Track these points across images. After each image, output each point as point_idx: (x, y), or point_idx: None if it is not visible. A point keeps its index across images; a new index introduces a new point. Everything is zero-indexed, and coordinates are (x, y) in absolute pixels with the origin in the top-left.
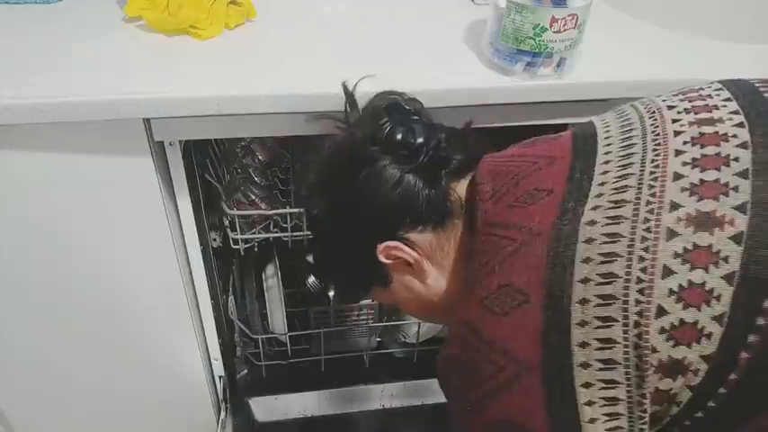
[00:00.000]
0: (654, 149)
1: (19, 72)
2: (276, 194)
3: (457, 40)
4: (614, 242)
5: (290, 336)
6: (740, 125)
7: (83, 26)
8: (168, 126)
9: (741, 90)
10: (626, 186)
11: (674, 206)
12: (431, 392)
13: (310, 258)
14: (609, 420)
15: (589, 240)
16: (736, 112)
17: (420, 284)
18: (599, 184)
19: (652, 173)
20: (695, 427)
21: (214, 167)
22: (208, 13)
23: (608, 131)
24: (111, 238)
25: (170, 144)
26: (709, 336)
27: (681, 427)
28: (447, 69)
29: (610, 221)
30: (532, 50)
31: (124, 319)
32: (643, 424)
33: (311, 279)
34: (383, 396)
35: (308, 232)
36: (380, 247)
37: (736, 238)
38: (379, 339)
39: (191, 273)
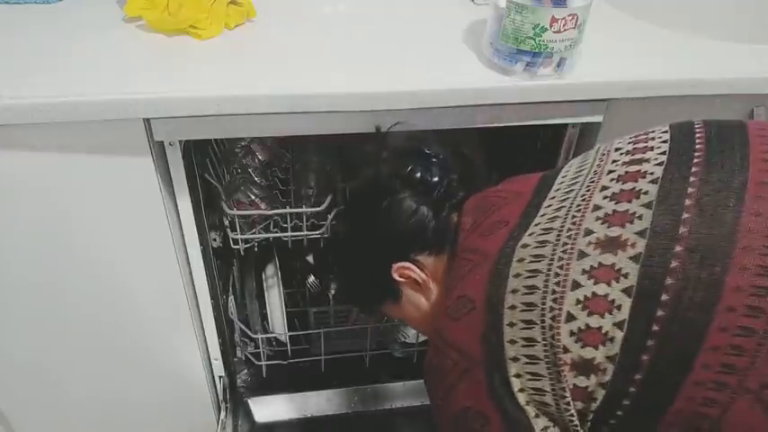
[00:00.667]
0: (588, 186)
1: (19, 72)
2: (276, 194)
3: (457, 40)
4: (538, 261)
5: (290, 336)
6: (660, 164)
7: (83, 26)
8: (168, 126)
9: (679, 132)
10: (556, 216)
11: (588, 232)
12: None
13: (310, 258)
14: (540, 407)
15: (521, 260)
16: (663, 153)
17: (425, 301)
18: (540, 215)
19: (578, 205)
20: (621, 425)
21: (214, 167)
22: (208, 13)
23: (566, 172)
24: (111, 238)
25: (170, 144)
26: (612, 339)
27: (609, 426)
28: (447, 69)
29: (538, 245)
30: (532, 50)
31: (124, 319)
32: (570, 416)
33: (311, 279)
34: (383, 396)
35: (309, 232)
36: (395, 266)
37: (635, 259)
38: (379, 339)
39: (191, 273)
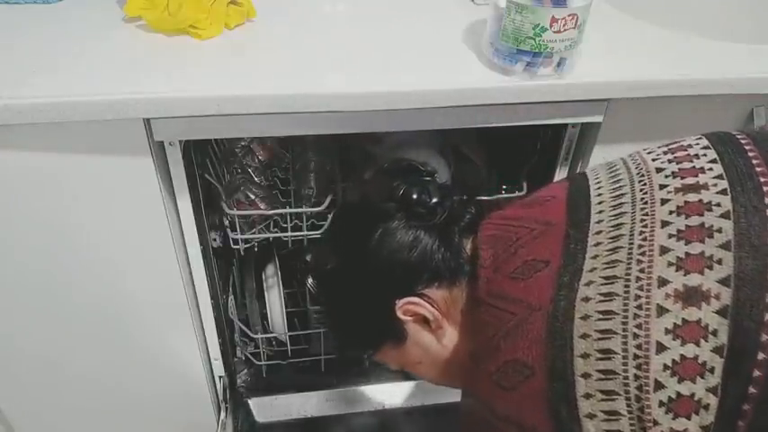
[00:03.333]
0: (642, 220)
1: (19, 72)
2: (276, 194)
3: (457, 40)
4: (609, 319)
5: (290, 336)
6: (723, 192)
7: (83, 26)
8: (168, 126)
9: (725, 148)
10: (616, 261)
11: (663, 282)
12: (431, 392)
13: (310, 258)
14: None
15: (585, 317)
16: (720, 177)
17: (435, 342)
18: (592, 257)
19: (640, 246)
20: None
21: (214, 167)
22: (208, 13)
23: (600, 194)
24: (111, 238)
25: (170, 144)
26: (706, 407)
27: None
28: (447, 69)
29: (603, 298)
30: (532, 50)
31: (124, 318)
32: None
33: (311, 279)
34: (383, 396)
35: (309, 232)
36: (400, 302)
37: (722, 312)
38: None
39: (191, 273)
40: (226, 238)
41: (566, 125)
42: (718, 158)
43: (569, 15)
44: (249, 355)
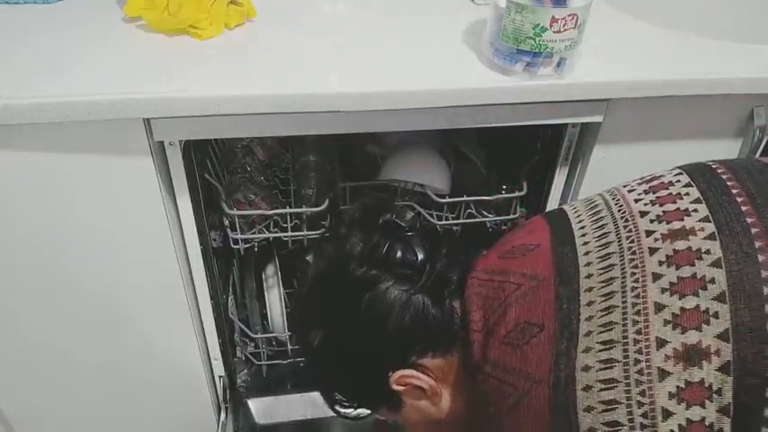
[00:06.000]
0: (632, 273)
1: (19, 72)
2: (276, 194)
3: (457, 40)
4: (611, 388)
5: (289, 336)
6: (711, 237)
7: (83, 26)
8: (168, 126)
9: (708, 186)
10: (612, 323)
11: (661, 342)
12: None
13: (310, 258)
14: None
15: (587, 388)
16: (706, 219)
17: (432, 407)
18: (586, 319)
19: (634, 305)
20: None
21: (214, 167)
22: (208, 13)
23: (586, 243)
24: (111, 238)
25: (170, 144)
26: None
27: None
28: (447, 69)
29: (603, 366)
30: (532, 50)
31: (124, 318)
32: None
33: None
34: None
35: (309, 232)
36: (394, 376)
37: (724, 369)
38: None
39: (191, 273)
40: (226, 238)
41: (566, 125)
42: (701, 197)
43: (569, 15)
44: (249, 355)
